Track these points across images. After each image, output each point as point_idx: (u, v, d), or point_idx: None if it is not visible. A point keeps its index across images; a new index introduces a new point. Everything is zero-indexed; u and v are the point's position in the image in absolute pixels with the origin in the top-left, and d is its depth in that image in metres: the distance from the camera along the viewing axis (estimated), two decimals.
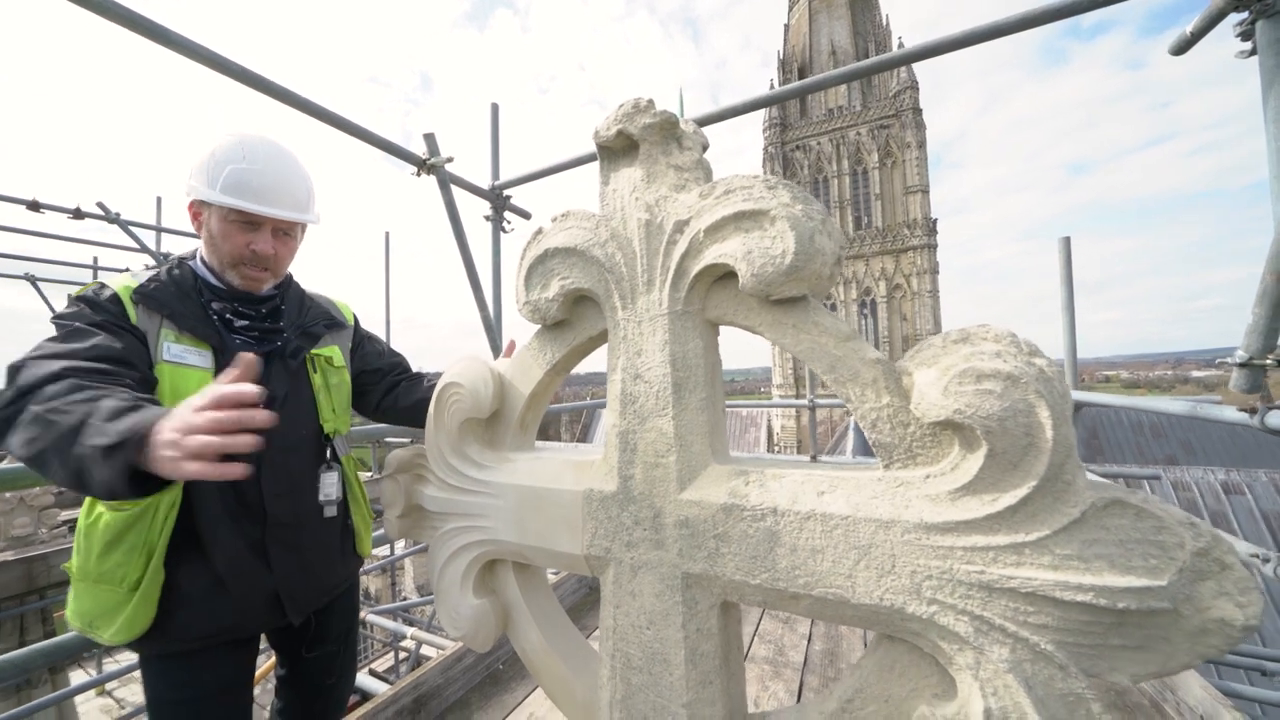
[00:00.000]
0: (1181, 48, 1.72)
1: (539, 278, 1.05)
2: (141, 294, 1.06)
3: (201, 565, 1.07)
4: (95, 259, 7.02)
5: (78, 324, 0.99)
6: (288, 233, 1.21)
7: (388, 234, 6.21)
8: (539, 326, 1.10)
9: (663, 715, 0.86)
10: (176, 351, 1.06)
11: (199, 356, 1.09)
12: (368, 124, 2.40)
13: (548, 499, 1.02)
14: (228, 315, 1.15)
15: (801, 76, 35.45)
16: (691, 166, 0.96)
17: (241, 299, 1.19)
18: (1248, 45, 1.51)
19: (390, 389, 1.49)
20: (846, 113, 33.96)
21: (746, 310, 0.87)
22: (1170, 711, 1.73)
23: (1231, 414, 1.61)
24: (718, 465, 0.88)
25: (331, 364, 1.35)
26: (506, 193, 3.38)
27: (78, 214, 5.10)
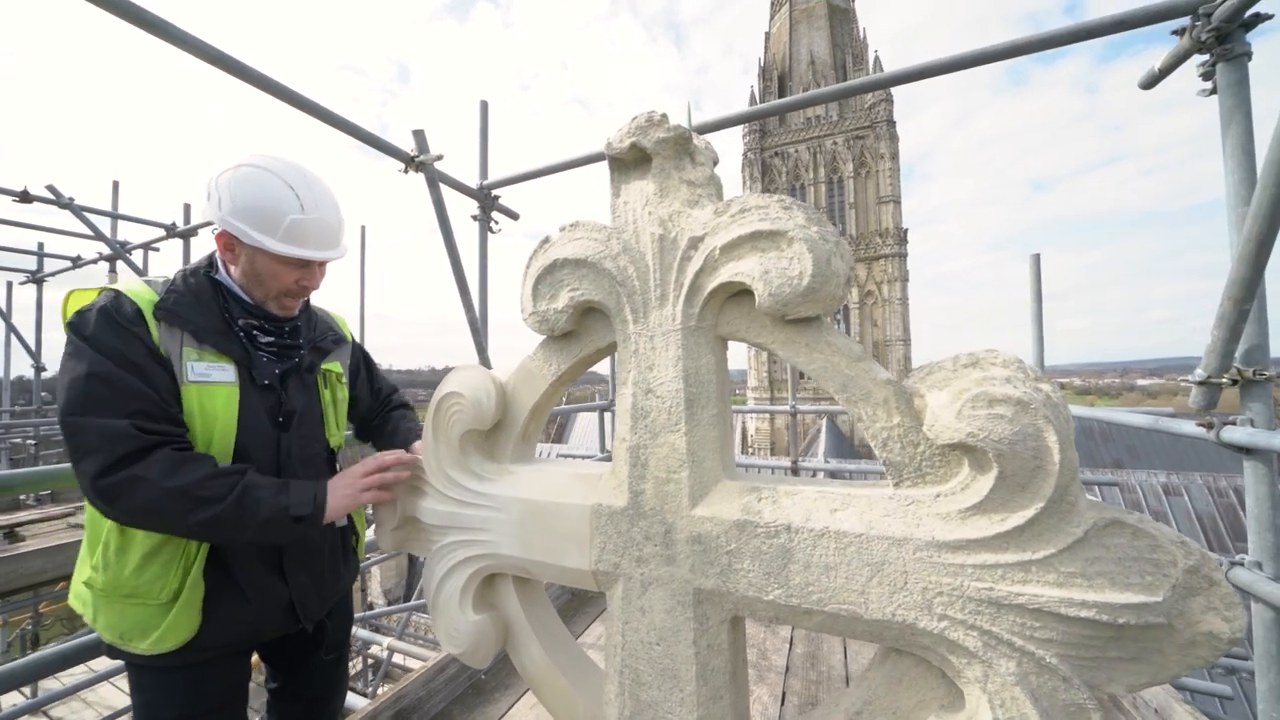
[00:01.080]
0: (1150, 82, 1.85)
1: (547, 288, 1.03)
2: (164, 310, 1.05)
3: (223, 575, 1.09)
4: (41, 245, 6.57)
5: (104, 365, 0.95)
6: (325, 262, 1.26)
7: (364, 228, 6.01)
8: (544, 337, 1.09)
9: None
10: (201, 370, 1.07)
11: (222, 372, 1.09)
12: (342, 113, 2.32)
13: (554, 513, 1.01)
14: (254, 331, 1.17)
15: (781, 84, 36.12)
16: (704, 182, 0.96)
17: (270, 318, 1.20)
18: (1209, 85, 1.63)
19: (385, 411, 1.57)
20: (824, 122, 34.77)
21: (759, 328, 0.88)
22: (1127, 705, 1.84)
23: (1190, 428, 1.72)
24: (729, 481, 0.89)
25: (340, 380, 1.39)
26: (495, 192, 3.32)
27: (25, 197, 4.73)
